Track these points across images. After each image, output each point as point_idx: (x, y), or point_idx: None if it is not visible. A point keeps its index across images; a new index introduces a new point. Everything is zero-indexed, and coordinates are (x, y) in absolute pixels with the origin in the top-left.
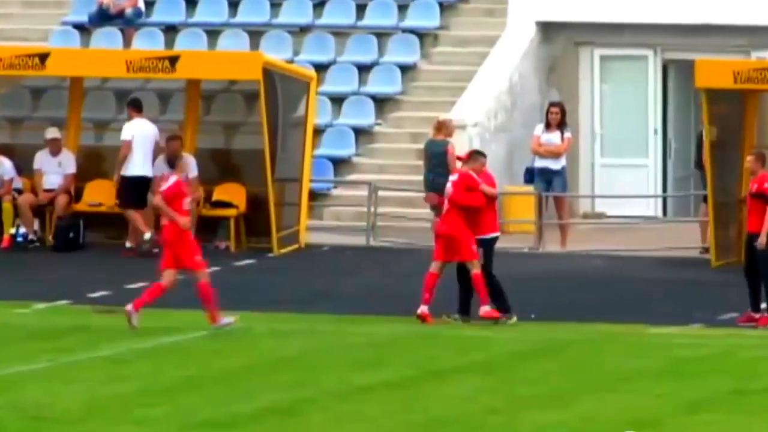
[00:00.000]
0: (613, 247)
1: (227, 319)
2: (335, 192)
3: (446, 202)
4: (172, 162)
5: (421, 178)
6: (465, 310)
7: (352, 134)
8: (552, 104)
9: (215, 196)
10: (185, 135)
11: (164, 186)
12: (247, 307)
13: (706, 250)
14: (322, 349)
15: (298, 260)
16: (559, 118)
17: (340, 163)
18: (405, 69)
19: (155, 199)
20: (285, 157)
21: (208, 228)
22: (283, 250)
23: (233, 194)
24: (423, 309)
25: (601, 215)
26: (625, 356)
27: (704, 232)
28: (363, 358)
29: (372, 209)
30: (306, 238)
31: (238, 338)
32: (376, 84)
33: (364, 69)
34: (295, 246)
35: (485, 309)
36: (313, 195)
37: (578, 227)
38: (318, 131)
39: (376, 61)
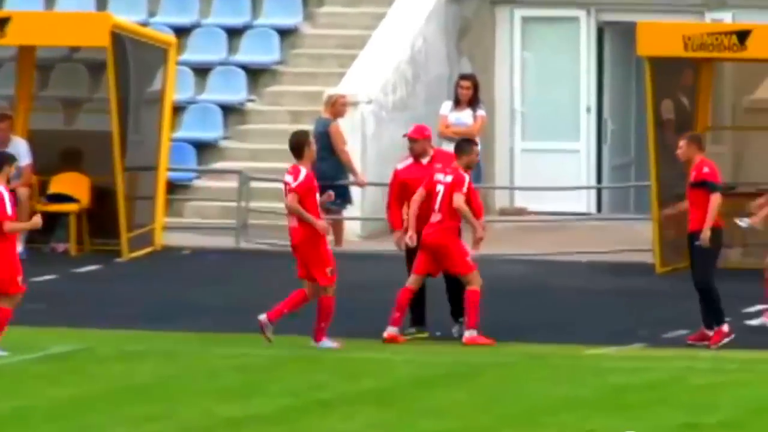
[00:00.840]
0: (536, 250)
1: (332, 342)
2: (198, 183)
3: (439, 205)
4: None
5: None
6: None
7: (220, 113)
8: (462, 77)
9: (52, 188)
10: (16, 114)
11: (296, 180)
12: (90, 324)
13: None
14: (181, 376)
15: (153, 266)
16: (470, 93)
17: (204, 148)
18: (284, 33)
19: (288, 199)
20: (138, 141)
21: (43, 227)
22: (135, 254)
23: (74, 186)
24: (391, 331)
25: (522, 211)
26: (551, 383)
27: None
28: (231, 385)
29: (243, 204)
30: (163, 239)
31: (79, 362)
32: (249, 52)
33: (234, 33)
34: (150, 249)
35: (472, 334)
36: (172, 187)
37: (494, 225)
38: (178, 109)
39: (249, 23)
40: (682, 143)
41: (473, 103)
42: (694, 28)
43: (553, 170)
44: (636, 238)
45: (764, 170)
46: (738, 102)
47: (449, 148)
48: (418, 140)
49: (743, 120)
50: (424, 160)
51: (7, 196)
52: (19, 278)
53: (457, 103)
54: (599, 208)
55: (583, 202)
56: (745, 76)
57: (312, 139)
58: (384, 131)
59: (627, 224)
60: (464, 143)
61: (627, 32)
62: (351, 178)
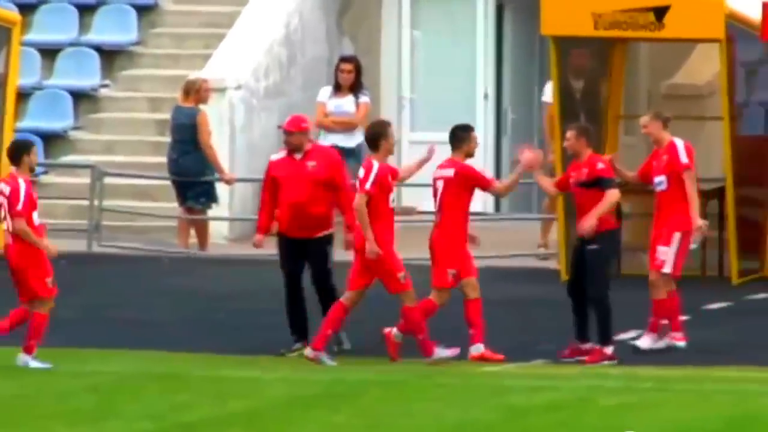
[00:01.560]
0: (426, 254)
1: (447, 350)
2: (46, 179)
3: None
4: None
5: (164, 159)
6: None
7: (70, 100)
8: (343, 59)
9: None
10: None
11: (370, 176)
12: None
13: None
14: (25, 396)
15: None
16: (352, 77)
17: (52, 140)
18: (142, 10)
19: (356, 198)
20: None
21: None
22: None
23: None
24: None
25: (410, 210)
26: (443, 404)
27: (546, 230)
28: (82, 407)
29: (96, 203)
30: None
31: None
32: (103, 31)
33: (86, 10)
34: None
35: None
36: None
37: None
38: (22, 96)
39: None
40: (570, 134)
41: (355, 88)
42: (605, 5)
43: None
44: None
45: None
46: (655, 87)
47: (327, 140)
48: (293, 133)
49: (661, 108)
50: (298, 156)
51: (23, 189)
52: (49, 280)
53: (338, 89)
54: (497, 207)
55: (479, 200)
56: (663, 58)
57: (391, 131)
58: (255, 120)
59: (529, 225)
60: (458, 131)
61: (530, 9)
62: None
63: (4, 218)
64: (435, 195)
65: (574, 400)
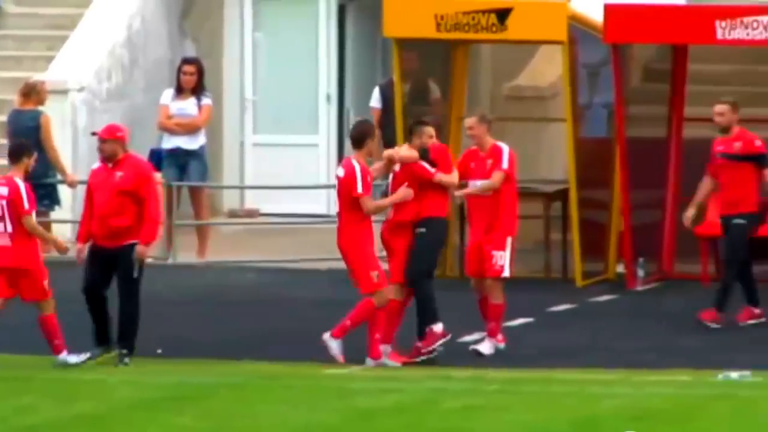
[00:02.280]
0: (270, 256)
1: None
2: None
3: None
4: None
5: (4, 162)
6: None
7: None
8: (186, 61)
9: None
10: None
11: (356, 178)
12: None
13: None
14: None
15: None
16: (194, 80)
17: None
18: None
19: (364, 203)
20: None
21: None
22: None
23: None
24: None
25: (254, 213)
26: (289, 407)
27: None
28: None
29: None
30: None
31: None
32: None
33: None
34: None
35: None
36: None
37: (223, 229)
38: None
39: None
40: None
41: (198, 90)
42: (447, 6)
43: (288, 167)
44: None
45: (529, 166)
46: (497, 89)
47: (171, 143)
48: (106, 140)
49: (503, 109)
50: (110, 164)
51: (23, 188)
52: (46, 282)
53: (180, 91)
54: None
55: (323, 202)
56: (506, 60)
57: (378, 133)
58: (98, 122)
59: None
60: (416, 125)
61: (372, 10)
62: (60, 176)
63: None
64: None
65: (419, 402)
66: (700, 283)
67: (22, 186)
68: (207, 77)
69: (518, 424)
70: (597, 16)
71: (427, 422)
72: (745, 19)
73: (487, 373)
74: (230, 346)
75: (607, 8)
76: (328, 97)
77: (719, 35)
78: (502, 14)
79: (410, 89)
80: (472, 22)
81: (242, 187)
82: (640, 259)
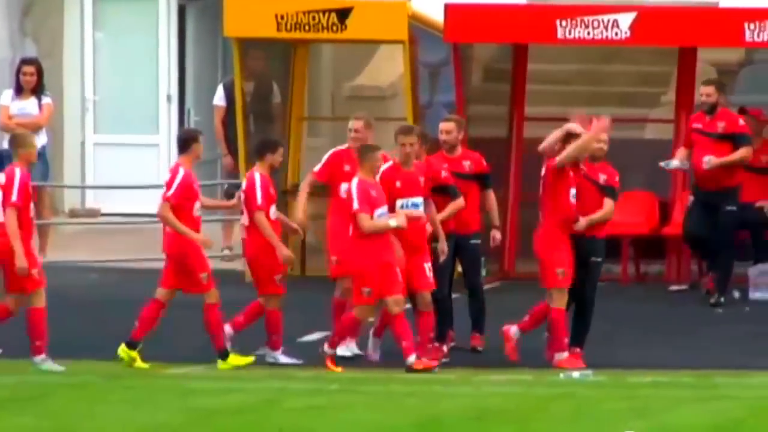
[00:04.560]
0: (112, 256)
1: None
2: None
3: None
4: None
5: None
6: None
7: None
8: (24, 62)
9: None
10: None
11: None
12: None
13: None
14: None
15: None
16: (35, 80)
17: None
18: None
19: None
20: None
21: None
22: None
23: None
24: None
25: (94, 212)
26: (130, 407)
27: (228, 233)
28: None
29: None
30: None
31: None
32: None
33: None
34: None
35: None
36: None
37: (63, 229)
38: None
39: None
40: (450, 127)
41: (38, 90)
42: (287, 6)
43: (129, 166)
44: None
45: None
46: (338, 89)
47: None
48: None
49: (344, 109)
50: None
51: (18, 179)
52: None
53: (20, 92)
54: None
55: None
56: (347, 60)
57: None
58: None
59: (215, 226)
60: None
61: (213, 10)
62: None
63: None
64: None
65: (261, 401)
66: (619, 283)
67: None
68: (48, 77)
69: (361, 424)
70: (438, 16)
71: (270, 422)
72: (586, 18)
73: (328, 374)
74: (69, 345)
75: (448, 7)
76: (169, 97)
77: (560, 34)
78: (343, 14)
79: (254, 89)
80: (312, 21)
81: (83, 187)
82: (482, 259)
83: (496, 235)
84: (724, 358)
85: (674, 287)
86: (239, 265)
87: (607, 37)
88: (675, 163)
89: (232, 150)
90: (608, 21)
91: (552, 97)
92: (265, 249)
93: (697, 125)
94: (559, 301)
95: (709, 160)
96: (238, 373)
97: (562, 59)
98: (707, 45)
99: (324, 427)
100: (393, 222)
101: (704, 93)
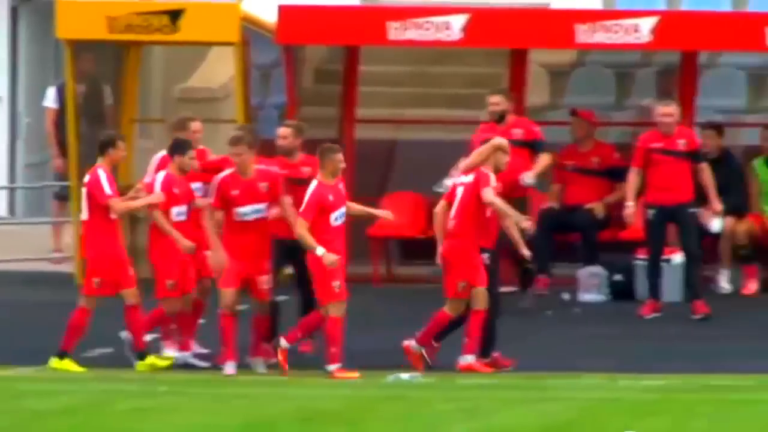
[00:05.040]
0: None
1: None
2: None
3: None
4: None
5: None
6: None
7: None
8: None
9: None
10: None
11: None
12: None
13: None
14: None
15: None
16: None
17: None
18: None
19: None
20: None
21: None
22: None
23: None
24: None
25: None
26: None
27: (57, 235)
28: None
29: None
30: None
31: None
32: None
33: None
34: None
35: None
36: None
37: None
38: None
39: None
40: (287, 132)
41: None
42: (119, 8)
43: None
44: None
45: None
46: (170, 91)
47: None
48: None
49: (175, 111)
50: None
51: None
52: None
53: None
54: (12, 211)
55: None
56: (179, 62)
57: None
58: None
59: (43, 229)
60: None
61: (45, 12)
62: None
63: None
64: None
65: (89, 404)
66: (371, 284)
67: None
68: None
69: (188, 426)
70: (270, 17)
71: (98, 424)
72: (417, 20)
73: (155, 376)
74: None
75: (280, 9)
76: (0, 99)
77: (391, 36)
78: (175, 15)
79: (86, 91)
80: (144, 23)
81: None
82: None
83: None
84: (554, 359)
85: (503, 288)
86: (69, 267)
87: (438, 38)
88: (447, 183)
89: (64, 153)
90: (440, 23)
91: (383, 99)
92: (164, 251)
93: (490, 135)
94: (456, 308)
95: (524, 177)
96: (66, 375)
97: (394, 61)
98: (538, 46)
99: (151, 429)
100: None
101: (492, 102)
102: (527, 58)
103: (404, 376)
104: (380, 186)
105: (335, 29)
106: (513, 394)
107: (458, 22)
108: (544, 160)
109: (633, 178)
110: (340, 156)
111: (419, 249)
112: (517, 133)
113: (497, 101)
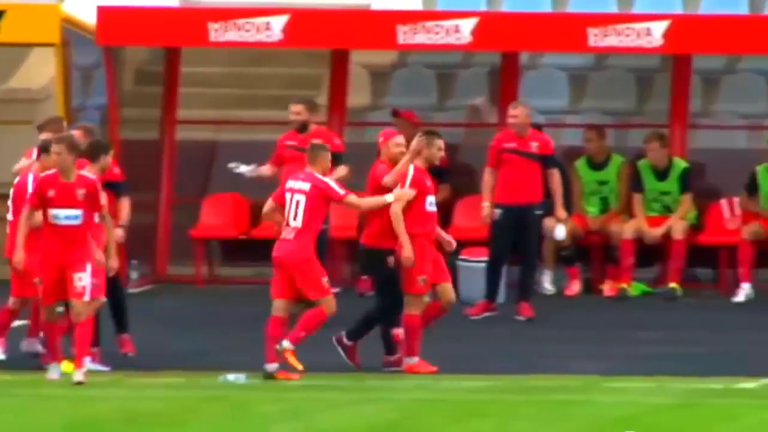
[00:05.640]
0: None
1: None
2: None
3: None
4: None
5: None
6: None
7: None
8: None
9: None
10: None
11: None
12: None
13: None
14: None
15: None
16: None
17: None
18: None
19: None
20: None
21: None
22: None
23: None
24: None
25: None
26: None
27: None
28: None
29: None
30: None
31: None
32: None
33: None
34: None
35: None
36: None
37: None
38: None
39: None
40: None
41: None
42: None
43: None
44: None
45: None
46: None
47: None
48: None
49: None
50: None
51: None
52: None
53: None
54: None
55: None
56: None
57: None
58: None
59: None
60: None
61: None
62: None
63: None
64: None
65: None
66: (194, 285)
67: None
68: None
69: (11, 427)
70: (90, 18)
71: None
72: (238, 21)
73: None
74: None
75: (100, 10)
76: None
77: (212, 38)
78: None
79: None
80: None
81: None
82: (134, 261)
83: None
84: (378, 360)
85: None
86: None
87: (259, 39)
88: (243, 168)
89: None
90: (260, 24)
91: (204, 100)
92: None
93: (292, 143)
94: (416, 307)
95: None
96: None
97: (215, 62)
98: (359, 47)
99: None
100: None
101: (293, 111)
102: (348, 58)
103: (230, 377)
104: (202, 187)
105: (155, 30)
106: (337, 395)
107: (279, 23)
108: (340, 171)
109: (487, 178)
110: (329, 154)
111: (241, 250)
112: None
113: (298, 111)
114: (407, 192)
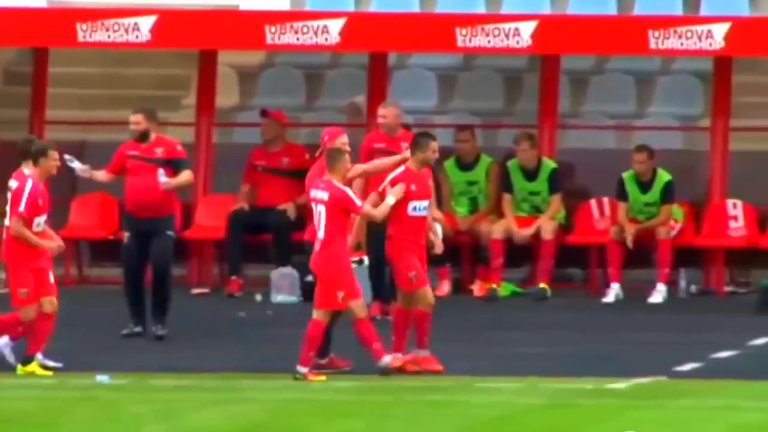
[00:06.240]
0: None
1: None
2: None
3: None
4: None
5: None
6: None
7: None
8: None
9: None
10: None
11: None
12: None
13: None
14: None
15: None
16: None
17: None
18: None
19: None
20: None
21: None
22: None
23: None
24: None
25: None
26: None
27: None
28: None
29: None
30: None
31: None
32: None
33: None
34: None
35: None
36: None
37: None
38: None
39: None
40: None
41: None
42: None
43: None
44: None
45: None
46: None
47: None
48: None
49: None
50: None
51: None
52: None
53: None
54: None
55: None
56: None
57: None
58: None
59: None
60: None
61: None
62: None
63: None
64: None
65: None
66: (63, 285)
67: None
68: None
69: None
70: None
71: None
72: (107, 21)
73: None
74: None
75: None
76: None
77: (80, 38)
78: None
79: None
80: None
81: None
82: None
83: None
84: (248, 360)
85: (196, 290)
86: None
87: (127, 40)
88: (77, 164)
89: None
90: (129, 24)
91: (73, 101)
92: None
93: (133, 152)
94: (405, 303)
95: (160, 176)
96: None
97: (83, 62)
98: (228, 48)
99: None
100: None
101: (133, 121)
102: (216, 59)
103: (98, 378)
104: (70, 187)
105: (23, 31)
106: (207, 395)
107: (147, 23)
108: (185, 176)
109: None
110: (347, 158)
111: (109, 250)
112: (159, 151)
113: (138, 120)
114: (399, 189)
